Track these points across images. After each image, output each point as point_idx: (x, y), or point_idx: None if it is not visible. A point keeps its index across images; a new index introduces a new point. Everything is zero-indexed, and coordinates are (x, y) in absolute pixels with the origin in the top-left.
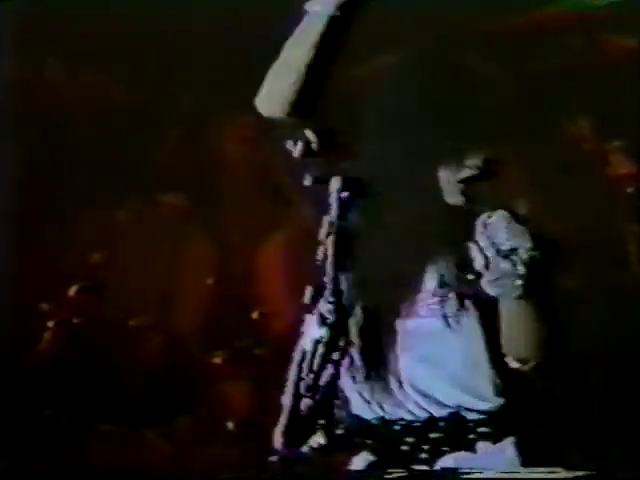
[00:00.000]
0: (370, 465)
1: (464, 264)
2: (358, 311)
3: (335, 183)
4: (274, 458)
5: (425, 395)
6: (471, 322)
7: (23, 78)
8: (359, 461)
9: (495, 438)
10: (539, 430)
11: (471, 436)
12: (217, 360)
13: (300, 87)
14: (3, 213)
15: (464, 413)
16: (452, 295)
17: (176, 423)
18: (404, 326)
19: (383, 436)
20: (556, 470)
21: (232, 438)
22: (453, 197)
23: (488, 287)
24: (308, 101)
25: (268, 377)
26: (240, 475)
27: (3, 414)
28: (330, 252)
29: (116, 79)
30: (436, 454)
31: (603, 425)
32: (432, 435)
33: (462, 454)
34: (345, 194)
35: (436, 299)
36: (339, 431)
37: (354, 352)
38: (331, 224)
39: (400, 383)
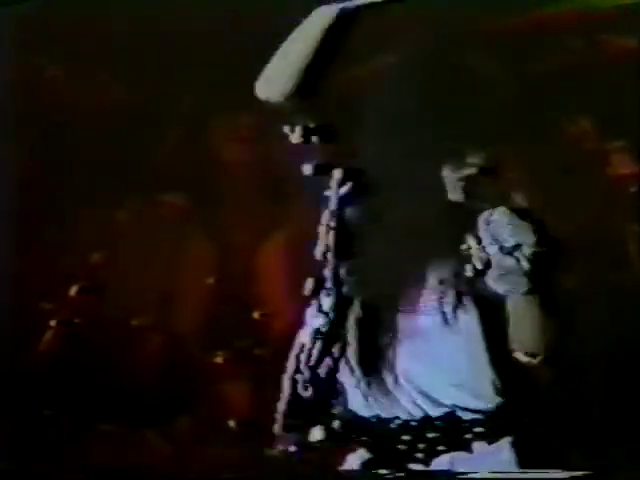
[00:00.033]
0: (366, 463)
1: (464, 261)
2: (357, 307)
3: (336, 174)
4: (274, 450)
5: (422, 392)
6: (470, 319)
7: (23, 78)
8: (355, 459)
9: (491, 438)
10: (537, 430)
11: (467, 436)
12: (217, 360)
13: (302, 69)
14: (3, 213)
15: (461, 412)
16: (451, 292)
17: (176, 423)
18: (403, 322)
19: (379, 434)
20: (552, 471)
21: (232, 438)
22: (455, 194)
23: (494, 284)
24: (309, 83)
25: (268, 377)
26: (240, 475)
27: (3, 414)
28: (330, 243)
29: (116, 79)
30: (432, 453)
31: (603, 425)
32: (428, 434)
33: (458, 454)
34: (346, 186)
35: (435, 296)
36: (336, 426)
37: (352, 347)
38: (332, 214)
39: (397, 379)
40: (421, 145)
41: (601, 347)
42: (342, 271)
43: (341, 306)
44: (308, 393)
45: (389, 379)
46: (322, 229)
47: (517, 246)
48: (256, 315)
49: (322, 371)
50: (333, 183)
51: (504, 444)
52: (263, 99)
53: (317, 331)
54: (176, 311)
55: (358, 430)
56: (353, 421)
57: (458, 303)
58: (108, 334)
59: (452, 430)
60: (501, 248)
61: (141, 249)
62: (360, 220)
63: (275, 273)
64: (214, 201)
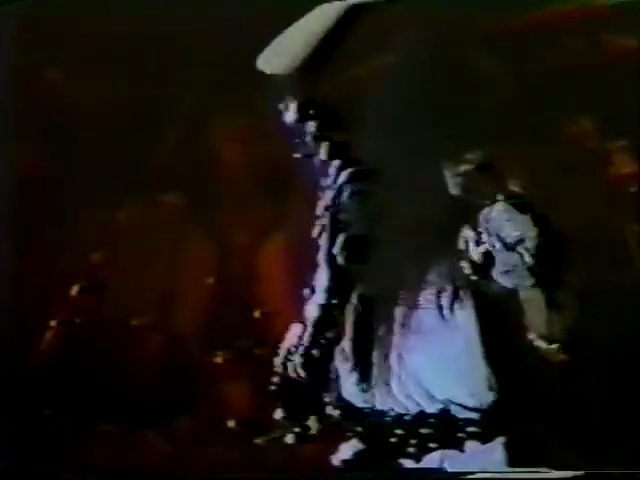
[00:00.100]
0: (358, 454)
1: (461, 257)
2: (355, 298)
3: (336, 160)
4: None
5: (419, 386)
6: (466, 314)
7: (23, 78)
8: (347, 449)
9: (484, 438)
10: (532, 430)
11: (460, 434)
12: (217, 360)
13: (312, 46)
14: (3, 213)
15: (455, 409)
16: (448, 287)
17: (176, 423)
18: (400, 316)
19: (372, 425)
20: (544, 470)
21: (232, 438)
22: (455, 189)
23: (501, 279)
24: (316, 58)
25: (268, 377)
26: (240, 475)
27: (3, 414)
28: (327, 227)
29: (116, 79)
30: (424, 449)
31: (603, 425)
32: (421, 430)
33: (449, 452)
34: (345, 173)
35: (432, 290)
36: (330, 413)
37: (348, 336)
38: (331, 200)
39: (393, 371)
40: (421, 145)
41: (601, 347)
42: (335, 251)
43: (335, 288)
44: (300, 376)
45: (385, 371)
46: (320, 209)
47: (520, 241)
48: (256, 315)
49: (315, 354)
50: (333, 167)
51: (497, 444)
52: (267, 72)
53: (310, 312)
54: (176, 311)
55: (351, 419)
56: (347, 410)
57: (455, 299)
58: (108, 334)
59: (445, 427)
60: (504, 244)
61: (141, 249)
62: (360, 216)
63: (275, 273)
64: (214, 201)
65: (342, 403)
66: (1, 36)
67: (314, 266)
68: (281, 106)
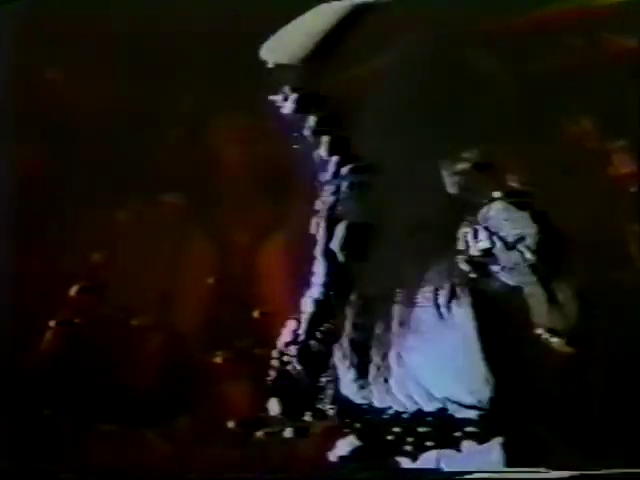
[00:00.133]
0: (355, 450)
1: (459, 256)
2: (353, 296)
3: (334, 158)
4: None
5: (416, 382)
6: (464, 313)
7: (23, 78)
8: (345, 445)
9: (482, 438)
10: (530, 430)
11: (457, 434)
12: (217, 360)
13: (320, 38)
14: (3, 213)
15: (453, 407)
16: (446, 285)
17: (176, 423)
18: (399, 313)
19: (370, 422)
20: (542, 470)
21: (232, 438)
22: (453, 188)
23: (504, 277)
24: (321, 51)
25: (268, 377)
26: (240, 475)
27: (3, 414)
28: (324, 221)
29: (116, 79)
30: (421, 448)
31: (603, 425)
32: (419, 429)
33: (446, 452)
34: (344, 168)
35: (430, 289)
36: (327, 409)
37: (347, 335)
38: (330, 195)
39: (391, 369)
40: (421, 144)
41: (601, 346)
42: (333, 245)
43: (332, 282)
44: (296, 370)
45: (383, 369)
46: (318, 205)
47: (520, 239)
48: (256, 315)
49: (312, 348)
50: (331, 164)
51: (494, 445)
52: (270, 61)
53: (306, 306)
54: (176, 311)
55: (349, 416)
56: (344, 406)
57: (453, 297)
58: (108, 334)
59: (443, 426)
60: (504, 243)
61: (141, 249)
62: (358, 213)
63: (275, 273)
64: (214, 201)
65: (339, 399)
66: (1, 36)
67: (314, 266)
68: (280, 97)
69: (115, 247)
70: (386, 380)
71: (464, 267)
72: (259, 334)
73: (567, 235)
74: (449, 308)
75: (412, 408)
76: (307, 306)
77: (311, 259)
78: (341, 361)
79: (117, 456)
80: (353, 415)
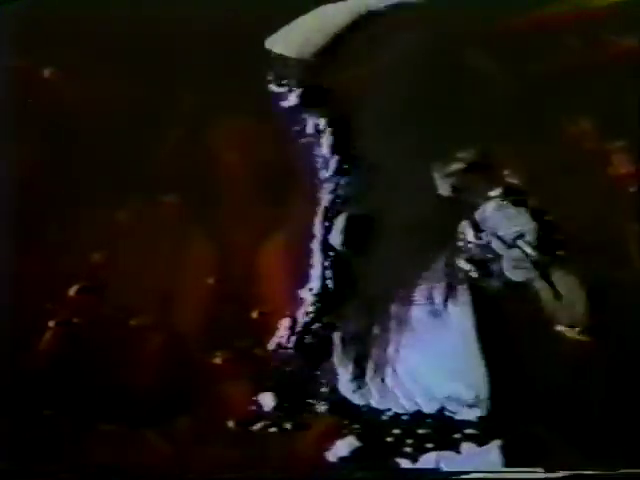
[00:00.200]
0: (354, 451)
1: (457, 254)
2: (352, 294)
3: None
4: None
5: (414, 381)
6: (461, 311)
7: (23, 78)
8: (344, 445)
9: (481, 440)
10: (530, 431)
11: (457, 436)
12: (217, 360)
13: (332, 35)
14: (3, 213)
15: (452, 406)
16: (444, 284)
17: (176, 423)
18: (396, 312)
19: (370, 423)
20: (540, 470)
21: (232, 438)
22: (450, 188)
23: (509, 274)
24: (331, 48)
25: (268, 376)
26: (240, 475)
27: (3, 414)
28: (321, 216)
29: (116, 79)
30: (420, 450)
31: (602, 425)
32: (418, 430)
33: (446, 454)
34: (344, 165)
35: (429, 288)
36: (321, 408)
37: (344, 334)
38: (329, 191)
39: (390, 369)
40: (420, 144)
41: (601, 347)
42: (331, 239)
43: (331, 277)
44: (292, 365)
45: (381, 368)
46: (318, 202)
47: (519, 236)
48: (256, 315)
49: (309, 344)
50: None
51: (493, 446)
52: (276, 52)
53: (305, 301)
54: (176, 311)
55: (347, 416)
56: (342, 406)
57: (451, 296)
58: (108, 334)
59: (442, 428)
60: (503, 242)
61: (141, 249)
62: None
63: (275, 273)
64: (214, 201)
65: (337, 398)
66: (1, 36)
67: (312, 264)
68: (284, 90)
69: (115, 247)
70: (383, 379)
71: (464, 266)
72: (259, 334)
73: (567, 236)
74: (447, 307)
75: (411, 408)
76: (305, 300)
77: (311, 259)
78: (338, 359)
79: (117, 456)
80: (351, 416)
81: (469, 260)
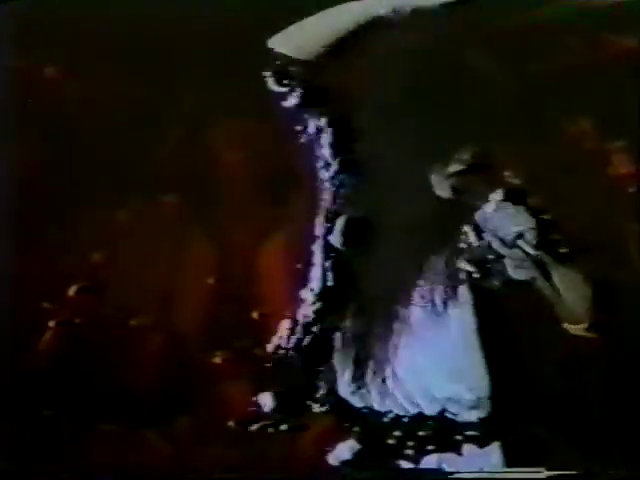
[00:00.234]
0: (356, 454)
1: (458, 256)
2: (353, 295)
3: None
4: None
5: (415, 382)
6: (462, 312)
7: (23, 78)
8: (345, 448)
9: (482, 442)
10: (531, 431)
11: (458, 437)
12: (217, 360)
13: (340, 37)
14: (3, 213)
15: (453, 409)
16: (442, 284)
17: (176, 423)
18: (398, 312)
19: (370, 425)
20: (540, 470)
21: (232, 438)
22: (443, 190)
23: (513, 274)
24: (337, 50)
25: (268, 377)
26: (240, 475)
27: (3, 414)
28: (322, 217)
29: (116, 79)
30: (421, 452)
31: (603, 425)
32: (420, 432)
33: (447, 455)
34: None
35: (429, 288)
36: (320, 409)
37: (347, 334)
38: (330, 191)
39: (390, 370)
40: (420, 144)
41: (601, 346)
42: (332, 239)
43: (332, 277)
44: (292, 366)
45: (382, 369)
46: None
47: (519, 236)
48: (256, 315)
49: (309, 345)
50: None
51: (494, 448)
52: (280, 52)
53: (305, 302)
54: (176, 311)
55: (347, 417)
56: (342, 407)
57: (451, 296)
58: (108, 334)
59: (443, 430)
60: (504, 243)
61: (141, 249)
62: (357, 212)
63: (275, 273)
64: (214, 201)
65: (337, 400)
66: (1, 36)
67: (313, 264)
68: (285, 89)
69: (115, 247)
70: (383, 381)
71: (465, 267)
72: (259, 334)
73: (567, 236)
74: (448, 308)
75: (412, 410)
76: (306, 299)
77: (312, 259)
78: (338, 360)
79: (117, 456)
80: (352, 418)
81: (470, 261)
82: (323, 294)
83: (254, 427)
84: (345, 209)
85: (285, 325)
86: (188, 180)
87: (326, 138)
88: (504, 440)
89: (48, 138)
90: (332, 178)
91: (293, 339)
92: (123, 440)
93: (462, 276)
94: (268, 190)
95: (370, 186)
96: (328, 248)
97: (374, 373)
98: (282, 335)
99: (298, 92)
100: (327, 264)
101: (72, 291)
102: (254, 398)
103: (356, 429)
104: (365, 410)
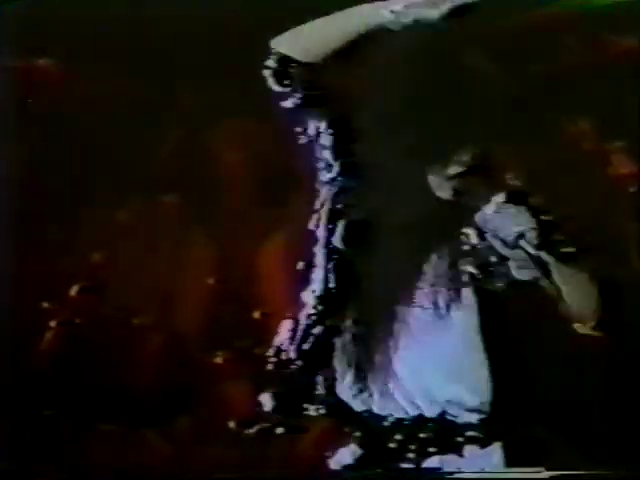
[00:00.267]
0: (357, 459)
1: (460, 256)
2: (355, 297)
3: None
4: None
5: (416, 385)
6: (465, 314)
7: (23, 78)
8: (346, 454)
9: (484, 442)
10: (532, 432)
11: (459, 439)
12: (217, 360)
13: (344, 42)
14: (3, 213)
15: (455, 411)
16: (445, 286)
17: (176, 423)
18: (400, 314)
19: (372, 429)
20: (540, 470)
21: (232, 438)
22: (443, 192)
23: (516, 274)
24: (343, 54)
25: (268, 377)
26: (240, 475)
27: (3, 414)
28: (323, 219)
29: (116, 79)
30: (423, 454)
31: (603, 426)
32: (420, 434)
33: (448, 457)
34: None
35: (430, 290)
36: (320, 411)
37: (347, 335)
38: (330, 193)
39: (392, 372)
40: (421, 144)
41: (604, 346)
42: (335, 241)
43: (333, 279)
44: (295, 366)
45: (383, 372)
46: (318, 203)
47: (520, 236)
48: (256, 315)
49: (310, 347)
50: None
51: (495, 448)
52: (283, 53)
53: (308, 299)
54: (176, 311)
55: (348, 421)
56: (343, 410)
57: (454, 298)
58: (108, 334)
59: (444, 431)
60: (505, 244)
61: (141, 249)
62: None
63: (275, 273)
64: (214, 201)
65: (337, 403)
66: (1, 36)
67: (314, 266)
68: (285, 90)
69: (115, 247)
70: (385, 383)
71: (468, 269)
72: (259, 334)
73: (567, 236)
74: (450, 310)
75: (413, 412)
76: (307, 301)
77: (312, 259)
78: (339, 362)
79: (117, 456)
80: (352, 421)
81: (473, 263)
82: (324, 296)
83: (253, 430)
84: (346, 211)
85: (286, 327)
86: (188, 180)
87: (326, 140)
88: (505, 441)
89: (48, 138)
90: (333, 180)
91: (294, 341)
92: (123, 440)
93: (465, 278)
94: (268, 190)
95: (371, 188)
96: (330, 250)
97: (375, 376)
98: (283, 337)
99: (298, 93)
100: (329, 266)
101: (73, 291)
102: (254, 398)
103: (357, 434)
104: (366, 414)
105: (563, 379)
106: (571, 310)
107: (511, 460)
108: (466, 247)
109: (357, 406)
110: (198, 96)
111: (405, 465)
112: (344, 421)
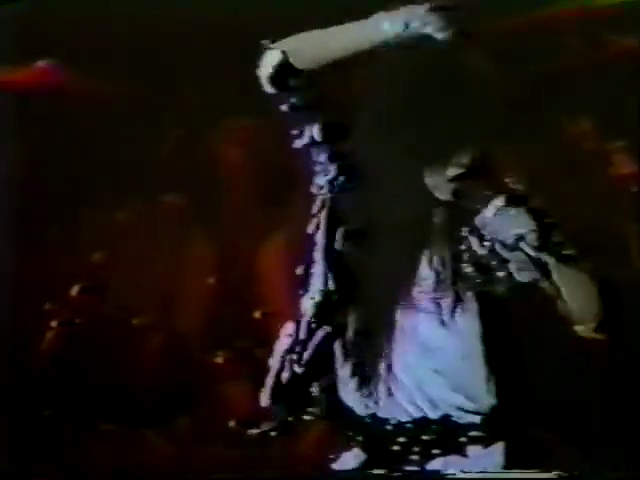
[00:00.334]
0: (361, 463)
1: (462, 259)
2: (356, 301)
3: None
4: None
5: (419, 390)
6: (467, 319)
7: (23, 79)
8: (349, 457)
9: (486, 442)
10: (533, 433)
11: (462, 439)
12: (218, 360)
13: (351, 52)
14: (3, 213)
15: (456, 414)
16: (448, 291)
17: (176, 423)
18: (401, 319)
19: (374, 433)
20: (541, 471)
21: (232, 438)
22: (443, 194)
23: (517, 277)
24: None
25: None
26: (240, 475)
27: (3, 414)
28: (322, 224)
29: (116, 79)
30: (427, 456)
31: (603, 426)
32: (424, 437)
33: (452, 458)
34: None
35: (432, 295)
36: (318, 411)
37: (349, 340)
38: (329, 197)
39: (394, 377)
40: (419, 145)
41: (601, 347)
42: (335, 245)
43: (333, 284)
44: (298, 371)
45: (386, 377)
46: (315, 207)
47: (520, 238)
48: (256, 315)
49: (308, 353)
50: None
51: (498, 448)
52: (281, 60)
53: (308, 307)
54: (177, 311)
55: (352, 428)
56: (346, 415)
57: (455, 303)
58: (109, 334)
59: (447, 433)
60: (505, 246)
61: (141, 249)
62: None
63: (275, 273)
64: (214, 201)
65: (340, 406)
66: (1, 36)
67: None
68: (283, 94)
69: (115, 247)
70: (389, 388)
71: (469, 272)
72: (260, 334)
73: (567, 236)
74: (453, 315)
75: (416, 415)
76: (307, 309)
77: (311, 260)
78: (340, 366)
79: (117, 456)
80: (355, 425)
81: (474, 266)
82: (325, 301)
83: (253, 432)
84: (346, 214)
85: (287, 329)
86: (188, 180)
87: (325, 140)
88: (507, 441)
89: (48, 138)
90: (330, 183)
91: (295, 344)
92: (123, 440)
93: (467, 282)
94: (268, 190)
95: (370, 189)
96: (329, 252)
97: (378, 380)
98: (285, 340)
99: (294, 97)
100: (329, 268)
101: (73, 291)
102: (254, 398)
103: (359, 438)
104: (368, 419)
105: (564, 380)
106: (572, 311)
107: (512, 461)
108: (467, 250)
109: (361, 410)
110: (198, 96)
111: (409, 468)
112: (345, 425)
